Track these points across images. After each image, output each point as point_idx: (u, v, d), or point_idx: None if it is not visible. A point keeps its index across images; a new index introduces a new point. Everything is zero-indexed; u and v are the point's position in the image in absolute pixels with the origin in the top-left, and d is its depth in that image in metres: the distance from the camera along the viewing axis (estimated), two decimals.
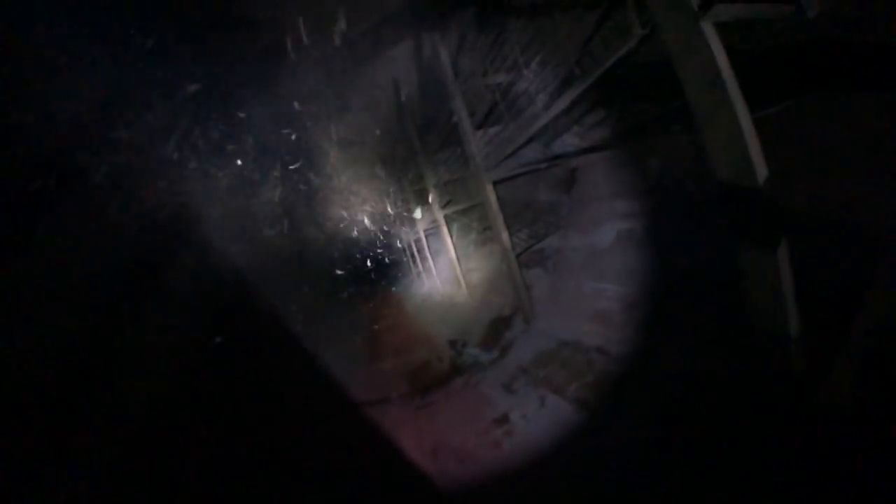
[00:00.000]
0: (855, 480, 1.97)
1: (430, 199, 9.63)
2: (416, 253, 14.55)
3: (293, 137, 9.36)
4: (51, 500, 3.70)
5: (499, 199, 5.85)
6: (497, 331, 6.35)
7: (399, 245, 17.58)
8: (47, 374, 4.05)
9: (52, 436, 3.90)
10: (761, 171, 2.23)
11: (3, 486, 3.53)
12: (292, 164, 10.13)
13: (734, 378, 2.81)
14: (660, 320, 3.90)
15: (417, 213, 12.33)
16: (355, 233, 21.54)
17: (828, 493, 2.03)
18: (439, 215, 9.27)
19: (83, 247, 4.64)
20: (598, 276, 5.05)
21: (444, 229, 9.31)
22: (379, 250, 22.83)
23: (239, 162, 7.76)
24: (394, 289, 18.40)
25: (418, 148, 9.34)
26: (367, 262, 22.16)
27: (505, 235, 5.84)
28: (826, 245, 2.81)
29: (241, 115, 7.40)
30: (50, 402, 3.97)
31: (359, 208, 18.74)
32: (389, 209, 15.08)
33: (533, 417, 3.97)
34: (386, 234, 19.92)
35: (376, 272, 21.80)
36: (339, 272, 17.06)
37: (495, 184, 5.84)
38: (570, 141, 5.73)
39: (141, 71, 5.38)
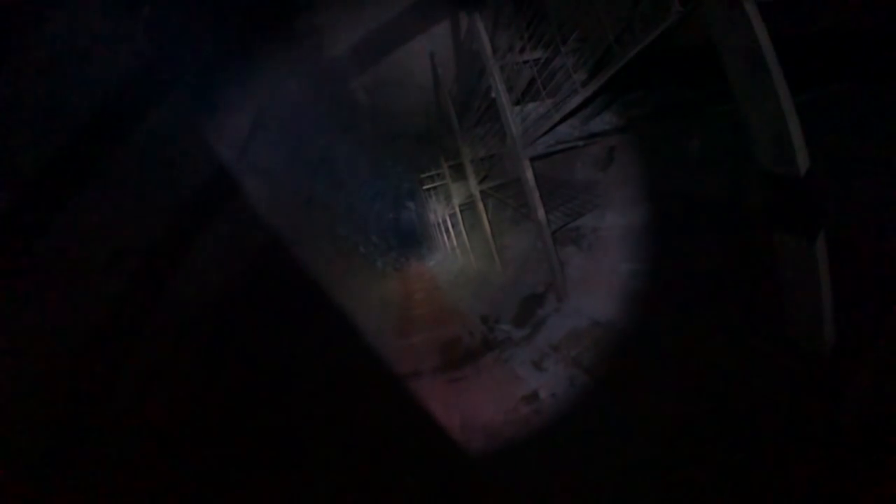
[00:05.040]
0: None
1: (465, 175, 9.62)
2: (450, 228, 14.59)
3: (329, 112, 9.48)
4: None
5: (535, 176, 5.79)
6: (529, 308, 6.37)
7: (434, 219, 17.66)
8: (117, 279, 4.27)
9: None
10: (802, 155, 2.16)
11: None
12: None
13: (761, 372, 2.78)
14: (694, 304, 3.85)
15: (453, 188, 12.35)
16: (390, 206, 21.79)
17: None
18: (475, 191, 9.26)
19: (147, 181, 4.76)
20: (634, 257, 4.99)
21: (480, 205, 9.31)
22: (413, 224, 23.03)
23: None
24: (427, 263, 18.53)
25: (455, 123, 9.29)
26: (401, 235, 22.42)
27: (541, 212, 5.80)
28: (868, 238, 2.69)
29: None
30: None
31: (395, 181, 18.87)
32: (425, 183, 15.12)
33: (562, 396, 4.02)
34: (421, 207, 20.05)
35: (410, 246, 22.03)
36: (372, 244, 17.31)
37: (532, 160, 5.77)
38: (607, 119, 5.59)
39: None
